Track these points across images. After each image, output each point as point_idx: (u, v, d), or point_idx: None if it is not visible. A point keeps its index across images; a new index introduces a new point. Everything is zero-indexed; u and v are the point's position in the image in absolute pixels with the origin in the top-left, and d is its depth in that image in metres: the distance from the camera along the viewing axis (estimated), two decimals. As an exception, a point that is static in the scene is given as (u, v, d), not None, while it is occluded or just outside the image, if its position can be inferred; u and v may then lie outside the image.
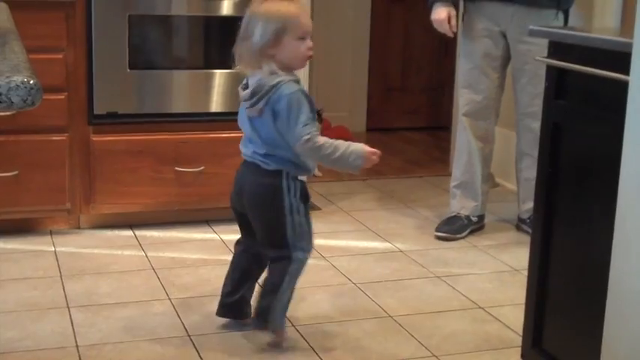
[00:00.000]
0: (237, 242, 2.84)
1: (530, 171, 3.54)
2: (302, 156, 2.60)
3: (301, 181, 2.66)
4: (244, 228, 2.77)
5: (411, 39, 6.08)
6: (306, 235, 2.69)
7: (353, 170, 2.62)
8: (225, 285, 2.83)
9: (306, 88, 4.55)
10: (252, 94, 2.57)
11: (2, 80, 1.17)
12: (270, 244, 2.68)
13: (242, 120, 2.67)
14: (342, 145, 2.56)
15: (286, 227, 2.62)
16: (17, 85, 1.17)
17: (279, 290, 2.66)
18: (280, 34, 2.56)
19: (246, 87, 2.62)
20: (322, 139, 2.55)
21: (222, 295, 2.83)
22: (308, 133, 2.53)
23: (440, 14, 3.70)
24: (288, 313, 2.97)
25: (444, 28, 3.71)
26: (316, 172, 4.70)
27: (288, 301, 2.72)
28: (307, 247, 2.71)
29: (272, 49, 2.56)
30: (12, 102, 1.17)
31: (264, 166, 2.62)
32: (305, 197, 2.68)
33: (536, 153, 2.48)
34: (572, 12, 3.68)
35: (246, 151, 2.68)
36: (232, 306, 2.82)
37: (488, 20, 3.71)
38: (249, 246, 2.78)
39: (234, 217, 2.78)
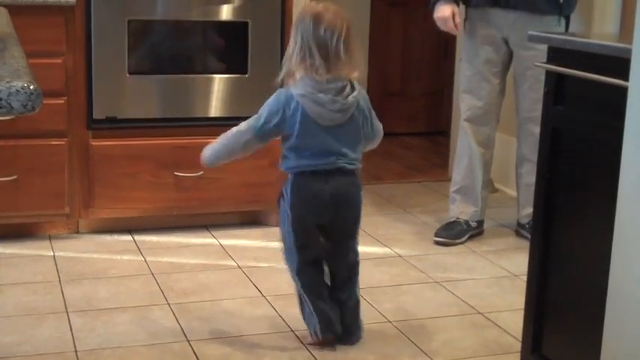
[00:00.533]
0: (308, 262, 2.73)
1: (530, 176, 3.53)
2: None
3: None
4: (316, 240, 2.73)
5: (410, 44, 6.08)
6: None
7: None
8: (323, 311, 2.74)
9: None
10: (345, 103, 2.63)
11: (2, 85, 1.17)
12: (353, 239, 2.81)
13: (312, 132, 2.63)
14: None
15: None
16: (17, 91, 1.17)
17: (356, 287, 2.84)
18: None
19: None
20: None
21: (327, 322, 2.74)
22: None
23: (444, 12, 3.68)
24: (287, 319, 2.97)
25: (449, 26, 3.69)
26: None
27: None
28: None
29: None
30: (12, 107, 1.17)
31: (351, 167, 2.72)
32: None
33: (535, 158, 2.48)
34: (573, 18, 3.69)
35: (321, 161, 2.65)
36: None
37: (490, 26, 3.72)
38: (320, 257, 2.77)
39: (305, 235, 2.70)
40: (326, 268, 2.78)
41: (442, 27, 3.72)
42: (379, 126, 2.79)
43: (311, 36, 2.56)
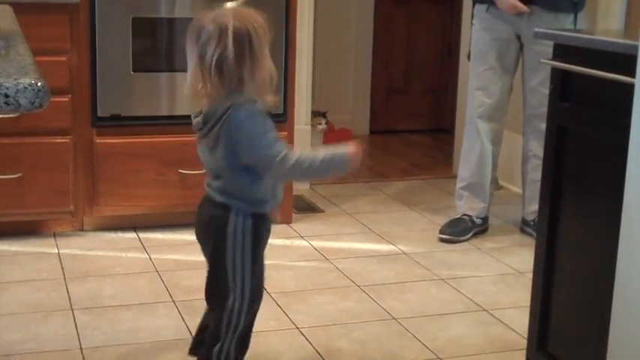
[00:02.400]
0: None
1: (536, 173, 3.52)
2: (277, 179, 2.26)
3: (255, 220, 2.25)
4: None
5: (414, 41, 6.08)
6: (247, 280, 2.26)
7: (340, 174, 2.29)
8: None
9: (309, 90, 4.61)
10: (205, 122, 2.20)
11: (10, 82, 1.16)
12: (214, 286, 2.35)
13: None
14: (322, 153, 2.18)
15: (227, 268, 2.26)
16: (25, 87, 1.17)
17: (217, 341, 2.31)
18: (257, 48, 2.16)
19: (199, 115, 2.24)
20: (296, 155, 2.16)
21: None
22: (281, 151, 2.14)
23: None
24: (292, 316, 2.97)
25: (520, 8, 3.61)
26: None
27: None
28: (245, 293, 2.27)
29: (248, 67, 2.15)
30: (20, 104, 1.17)
31: (215, 196, 2.26)
32: (255, 237, 2.26)
33: (542, 154, 2.48)
34: (579, 15, 3.69)
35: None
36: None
37: (503, 22, 3.71)
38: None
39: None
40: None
41: (511, 11, 3.65)
42: (267, 154, 2.16)
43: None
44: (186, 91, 2.23)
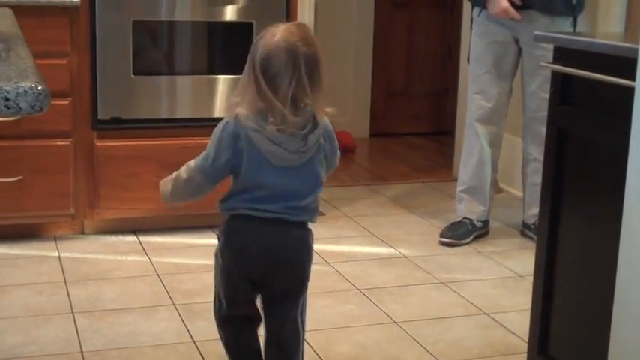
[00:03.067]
0: (234, 319, 2.35)
1: (537, 176, 3.52)
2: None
3: None
4: (245, 295, 2.31)
5: (414, 44, 6.08)
6: None
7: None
8: None
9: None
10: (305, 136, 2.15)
11: (10, 85, 1.16)
12: (292, 306, 2.28)
13: (259, 173, 2.18)
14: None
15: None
16: (25, 91, 1.17)
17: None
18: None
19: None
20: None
21: None
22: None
23: (501, 4, 3.62)
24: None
25: (511, 14, 3.62)
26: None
27: None
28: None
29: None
30: (20, 107, 1.16)
31: (296, 218, 2.21)
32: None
33: (542, 158, 2.48)
34: (579, 18, 3.69)
35: (261, 207, 2.19)
36: None
37: (502, 26, 3.72)
38: (255, 318, 2.34)
39: (230, 287, 2.32)
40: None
41: (503, 17, 3.65)
42: (337, 160, 2.30)
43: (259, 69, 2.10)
44: None
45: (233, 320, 2.33)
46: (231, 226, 2.25)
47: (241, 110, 2.13)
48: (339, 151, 2.28)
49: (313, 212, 2.24)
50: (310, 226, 2.26)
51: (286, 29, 2.11)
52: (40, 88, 1.18)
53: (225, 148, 2.16)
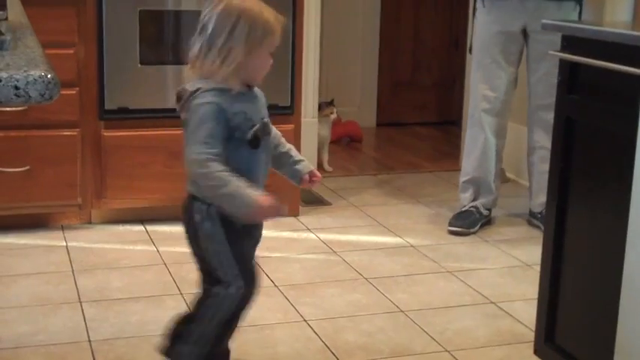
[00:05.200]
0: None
1: (543, 164, 3.52)
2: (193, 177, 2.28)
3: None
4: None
5: (420, 34, 6.07)
6: (229, 267, 2.27)
7: (238, 215, 2.18)
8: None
9: (316, 83, 4.60)
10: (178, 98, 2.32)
11: (20, 74, 1.16)
12: (202, 273, 2.36)
13: None
14: (236, 184, 2.12)
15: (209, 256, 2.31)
16: (35, 79, 1.17)
17: (192, 322, 2.32)
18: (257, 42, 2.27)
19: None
20: (215, 167, 2.16)
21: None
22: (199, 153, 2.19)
23: None
24: (300, 309, 2.97)
25: None
26: (326, 167, 4.70)
27: (203, 346, 2.31)
28: (229, 279, 2.27)
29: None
30: (30, 96, 1.17)
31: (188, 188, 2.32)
32: (225, 222, 2.23)
33: (549, 145, 2.47)
34: (585, 6, 3.69)
35: None
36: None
37: (508, 15, 3.71)
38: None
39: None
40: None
41: None
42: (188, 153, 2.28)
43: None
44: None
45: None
46: None
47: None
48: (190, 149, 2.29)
49: (193, 184, 2.35)
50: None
51: None
52: (49, 76, 1.18)
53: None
